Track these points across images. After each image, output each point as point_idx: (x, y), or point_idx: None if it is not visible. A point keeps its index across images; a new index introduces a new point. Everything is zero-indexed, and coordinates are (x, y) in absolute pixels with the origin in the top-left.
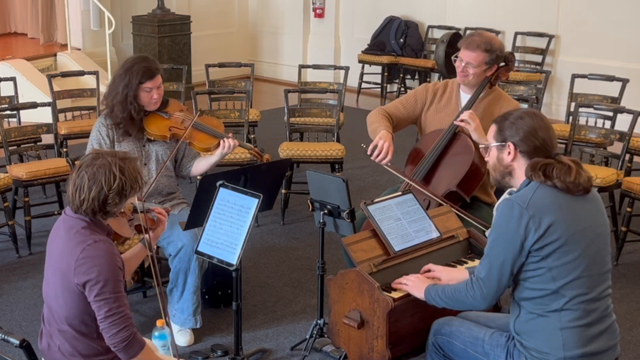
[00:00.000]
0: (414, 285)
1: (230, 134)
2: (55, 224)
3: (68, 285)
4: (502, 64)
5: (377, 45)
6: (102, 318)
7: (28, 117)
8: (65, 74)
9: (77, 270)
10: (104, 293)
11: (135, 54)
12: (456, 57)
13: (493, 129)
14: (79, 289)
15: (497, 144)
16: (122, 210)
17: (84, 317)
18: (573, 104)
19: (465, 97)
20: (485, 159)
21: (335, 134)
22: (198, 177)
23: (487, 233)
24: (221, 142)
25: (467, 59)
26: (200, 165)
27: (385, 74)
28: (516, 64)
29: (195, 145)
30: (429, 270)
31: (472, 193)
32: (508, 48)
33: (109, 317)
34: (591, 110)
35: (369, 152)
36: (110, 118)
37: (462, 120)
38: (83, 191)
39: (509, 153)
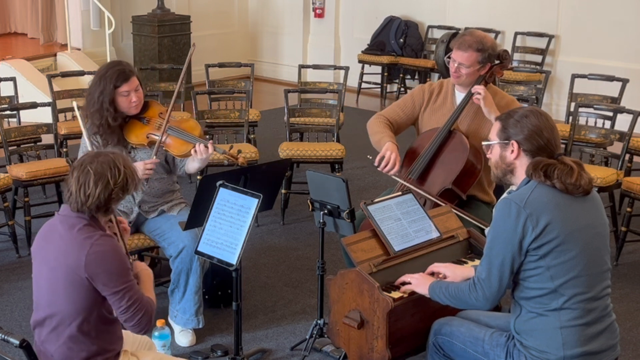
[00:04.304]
0: (417, 282)
1: (205, 136)
2: (47, 227)
3: (75, 279)
4: (497, 62)
5: (377, 45)
6: (124, 309)
7: (28, 117)
8: (65, 74)
9: (89, 265)
10: (120, 284)
11: (109, 61)
12: (449, 57)
13: (497, 126)
14: (89, 282)
15: (501, 141)
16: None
17: (88, 312)
18: (573, 104)
19: (460, 96)
20: (488, 155)
21: (335, 134)
22: (198, 177)
23: (486, 232)
24: (193, 148)
25: (459, 59)
26: (190, 166)
27: (385, 74)
28: (516, 64)
29: (172, 152)
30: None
31: (469, 191)
32: (508, 48)
33: (130, 307)
34: (591, 110)
35: (376, 164)
36: (90, 128)
37: (478, 94)
38: (89, 187)
39: (512, 151)
